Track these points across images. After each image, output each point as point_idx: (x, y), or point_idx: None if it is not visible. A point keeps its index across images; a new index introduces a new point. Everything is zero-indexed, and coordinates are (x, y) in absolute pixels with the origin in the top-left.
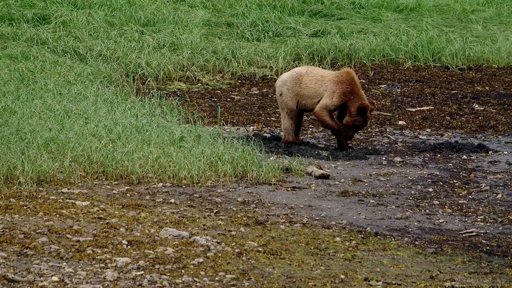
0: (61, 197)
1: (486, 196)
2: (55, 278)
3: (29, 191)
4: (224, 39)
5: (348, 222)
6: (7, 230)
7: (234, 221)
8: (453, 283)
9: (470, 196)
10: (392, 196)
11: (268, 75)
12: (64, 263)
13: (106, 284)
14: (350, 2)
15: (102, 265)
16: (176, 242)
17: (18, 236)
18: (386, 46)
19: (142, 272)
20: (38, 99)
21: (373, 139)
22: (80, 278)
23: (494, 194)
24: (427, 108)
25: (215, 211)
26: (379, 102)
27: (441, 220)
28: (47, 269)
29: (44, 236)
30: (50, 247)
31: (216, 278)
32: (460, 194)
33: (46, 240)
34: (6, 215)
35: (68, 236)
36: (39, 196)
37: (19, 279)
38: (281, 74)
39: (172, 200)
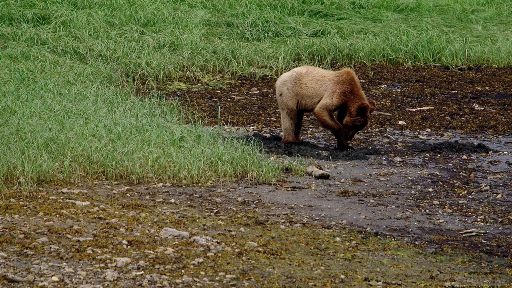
0: (61, 197)
1: (486, 196)
2: (55, 278)
3: (29, 191)
4: (224, 39)
5: (348, 222)
6: (7, 230)
7: (234, 221)
8: (453, 283)
9: (470, 196)
10: (392, 196)
11: (268, 75)
12: (64, 263)
13: (106, 284)
14: (350, 2)
15: (102, 265)
16: (176, 242)
17: (18, 236)
18: (386, 46)
19: (142, 272)
20: (38, 99)
21: (373, 139)
22: (80, 278)
23: (494, 194)
24: (427, 108)
25: (215, 211)
26: (379, 102)
27: (441, 220)
28: (47, 269)
29: (44, 236)
30: (50, 247)
31: (216, 278)
32: (460, 194)
33: (46, 240)
34: (6, 215)
35: (68, 236)
36: (39, 196)
37: (19, 279)
38: (281, 74)
39: (172, 200)
